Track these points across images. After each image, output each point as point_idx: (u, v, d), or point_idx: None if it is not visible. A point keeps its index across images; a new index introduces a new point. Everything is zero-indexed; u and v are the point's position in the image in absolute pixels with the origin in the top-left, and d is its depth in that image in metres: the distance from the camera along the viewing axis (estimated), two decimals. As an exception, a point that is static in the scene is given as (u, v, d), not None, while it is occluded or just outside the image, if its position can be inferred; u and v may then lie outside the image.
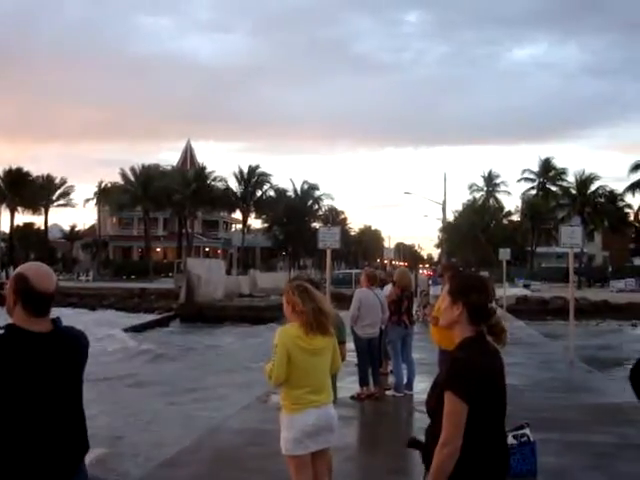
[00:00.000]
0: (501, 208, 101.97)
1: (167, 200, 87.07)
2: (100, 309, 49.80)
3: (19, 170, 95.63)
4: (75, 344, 3.73)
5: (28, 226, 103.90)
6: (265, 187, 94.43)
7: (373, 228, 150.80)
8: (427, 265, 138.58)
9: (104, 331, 31.63)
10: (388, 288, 14.08)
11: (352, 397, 12.28)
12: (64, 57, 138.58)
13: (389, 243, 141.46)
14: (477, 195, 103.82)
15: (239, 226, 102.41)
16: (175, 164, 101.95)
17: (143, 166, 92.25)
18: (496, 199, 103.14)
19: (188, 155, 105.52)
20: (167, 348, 29.05)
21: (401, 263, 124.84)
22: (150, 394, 19.09)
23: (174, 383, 20.71)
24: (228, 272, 62.98)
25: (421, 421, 11.08)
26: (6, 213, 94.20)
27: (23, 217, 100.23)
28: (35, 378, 3.47)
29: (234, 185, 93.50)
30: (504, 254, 35.17)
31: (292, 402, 5.64)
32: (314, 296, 5.71)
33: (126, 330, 34.04)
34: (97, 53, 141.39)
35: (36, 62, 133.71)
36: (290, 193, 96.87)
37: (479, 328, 3.62)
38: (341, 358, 6.33)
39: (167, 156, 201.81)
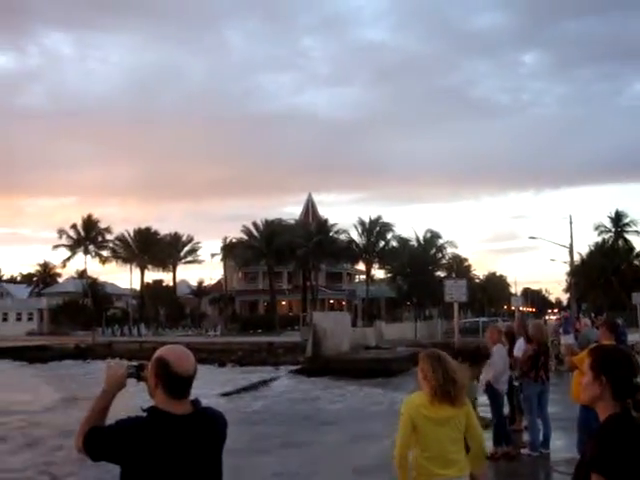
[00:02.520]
0: (631, 249, 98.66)
1: (290, 254, 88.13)
2: (229, 364, 50.53)
3: (148, 229, 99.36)
4: (214, 425, 3.77)
5: (157, 283, 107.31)
6: (388, 237, 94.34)
7: (498, 274, 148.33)
8: (556, 310, 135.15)
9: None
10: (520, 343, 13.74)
11: (486, 457, 11.94)
12: (189, 117, 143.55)
13: (515, 289, 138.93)
14: (605, 236, 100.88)
15: (363, 277, 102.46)
16: (297, 218, 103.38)
17: (266, 221, 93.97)
18: (625, 240, 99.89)
19: (310, 208, 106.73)
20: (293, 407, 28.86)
21: (529, 309, 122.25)
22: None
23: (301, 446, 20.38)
24: (353, 324, 62.88)
25: (560, 482, 10.73)
26: (137, 271, 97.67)
27: (153, 274, 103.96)
28: (176, 460, 3.53)
29: (356, 236, 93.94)
30: (638, 298, 33.88)
31: (419, 472, 5.45)
32: (446, 365, 5.53)
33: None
34: (220, 111, 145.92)
35: (162, 124, 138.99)
36: (413, 242, 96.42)
37: (624, 404, 3.47)
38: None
39: (290, 209, 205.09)
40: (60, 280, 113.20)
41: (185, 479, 3.56)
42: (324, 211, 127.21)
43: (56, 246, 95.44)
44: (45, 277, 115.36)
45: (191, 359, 3.72)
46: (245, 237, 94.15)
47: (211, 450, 3.70)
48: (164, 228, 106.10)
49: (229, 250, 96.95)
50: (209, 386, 30.10)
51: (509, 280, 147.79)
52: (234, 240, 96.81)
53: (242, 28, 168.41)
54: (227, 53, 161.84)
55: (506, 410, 13.70)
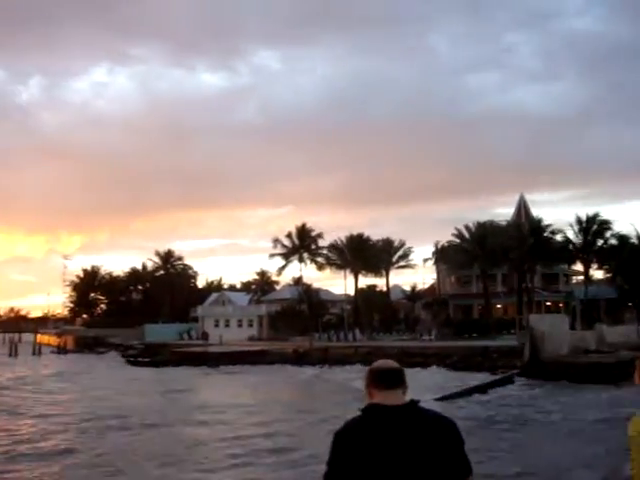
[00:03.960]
0: None
1: (503, 256, 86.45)
2: (444, 368, 50.27)
3: (360, 236, 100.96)
4: (435, 423, 3.69)
5: (371, 288, 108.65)
6: (606, 235, 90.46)
7: None
8: None
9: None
10: None
11: None
12: (397, 123, 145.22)
13: None
14: None
15: (580, 278, 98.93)
16: (509, 218, 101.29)
17: (478, 223, 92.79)
18: None
19: (522, 209, 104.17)
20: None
21: None
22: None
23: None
24: (571, 326, 60.74)
25: None
26: (350, 277, 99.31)
27: (366, 280, 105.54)
28: (389, 448, 3.52)
29: (572, 235, 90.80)
30: None
31: None
32: None
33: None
34: (428, 115, 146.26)
35: (370, 130, 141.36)
36: (633, 240, 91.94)
37: None
38: None
39: (500, 211, 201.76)
40: (277, 287, 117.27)
41: (400, 470, 3.51)
42: (537, 211, 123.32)
43: (272, 255, 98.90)
44: (263, 285, 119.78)
45: (390, 361, 3.92)
46: (457, 240, 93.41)
47: (428, 446, 3.58)
48: (375, 234, 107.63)
49: (441, 254, 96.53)
50: (423, 391, 29.97)
51: None
52: (445, 244, 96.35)
53: (446, 30, 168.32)
54: (432, 57, 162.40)
55: None
